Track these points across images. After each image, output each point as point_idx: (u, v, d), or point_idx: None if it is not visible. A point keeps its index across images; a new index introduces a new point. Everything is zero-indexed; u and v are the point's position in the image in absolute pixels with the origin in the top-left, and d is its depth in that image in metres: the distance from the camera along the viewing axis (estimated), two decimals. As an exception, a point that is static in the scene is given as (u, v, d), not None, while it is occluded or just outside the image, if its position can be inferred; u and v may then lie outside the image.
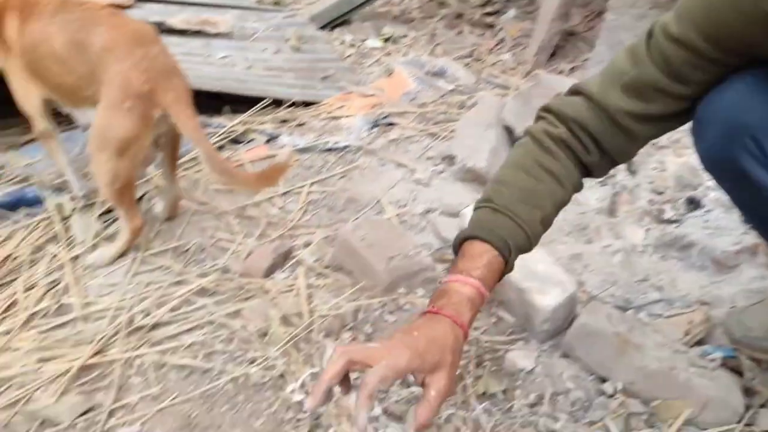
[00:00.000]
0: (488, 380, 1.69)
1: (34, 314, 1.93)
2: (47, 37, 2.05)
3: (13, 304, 1.97)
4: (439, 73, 3.43)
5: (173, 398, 1.66)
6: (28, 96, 2.21)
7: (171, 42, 3.33)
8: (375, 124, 2.90)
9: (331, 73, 3.46)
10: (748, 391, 1.61)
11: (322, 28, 4.04)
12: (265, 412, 1.63)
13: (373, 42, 3.93)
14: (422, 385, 1.09)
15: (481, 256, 1.21)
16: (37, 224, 2.25)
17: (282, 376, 1.69)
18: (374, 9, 4.47)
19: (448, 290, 1.18)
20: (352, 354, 1.07)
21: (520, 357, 1.79)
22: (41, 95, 2.19)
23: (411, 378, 1.11)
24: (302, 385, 1.65)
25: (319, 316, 1.85)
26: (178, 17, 3.56)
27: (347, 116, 2.99)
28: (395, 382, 1.18)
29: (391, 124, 2.93)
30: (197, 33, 3.52)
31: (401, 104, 3.13)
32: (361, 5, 4.14)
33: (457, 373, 1.14)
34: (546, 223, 1.32)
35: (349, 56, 3.76)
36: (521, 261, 1.70)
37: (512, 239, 1.24)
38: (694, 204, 2.17)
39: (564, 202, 1.34)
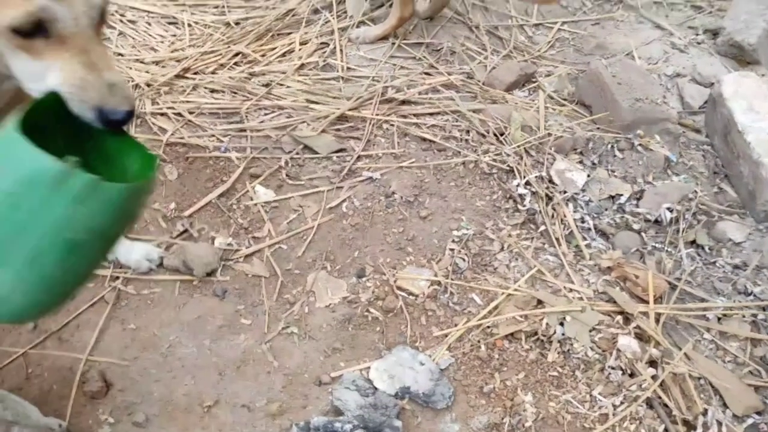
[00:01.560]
0: (700, 232, 1.75)
1: (304, 64, 2.21)
2: None
3: (290, 51, 2.25)
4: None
5: (411, 161, 1.89)
6: None
7: None
8: (641, -17, 2.78)
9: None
10: None
11: None
12: (487, 197, 1.81)
13: None
14: None
15: None
16: (316, -7, 2.50)
17: (510, 170, 1.85)
18: None
19: None
20: None
21: (732, 229, 1.81)
22: None
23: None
24: (527, 183, 1.80)
25: (553, 133, 1.96)
26: None
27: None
28: None
29: (658, -15, 2.80)
30: None
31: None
32: None
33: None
34: None
35: None
36: (765, 137, 1.69)
37: None
38: None
39: None
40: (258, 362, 1.45)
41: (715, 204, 1.87)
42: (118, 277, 1.56)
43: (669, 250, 1.70)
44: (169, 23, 2.39)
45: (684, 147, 2.02)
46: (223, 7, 2.45)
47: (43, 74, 0.94)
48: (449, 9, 2.52)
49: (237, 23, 2.38)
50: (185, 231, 1.69)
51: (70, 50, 0.93)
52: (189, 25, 2.35)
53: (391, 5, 2.31)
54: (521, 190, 1.78)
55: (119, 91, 0.95)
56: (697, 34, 2.48)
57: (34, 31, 0.91)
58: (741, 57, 2.27)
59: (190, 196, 1.78)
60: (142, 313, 1.52)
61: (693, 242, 1.73)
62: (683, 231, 1.73)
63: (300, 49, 2.26)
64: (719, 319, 1.59)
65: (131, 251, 1.58)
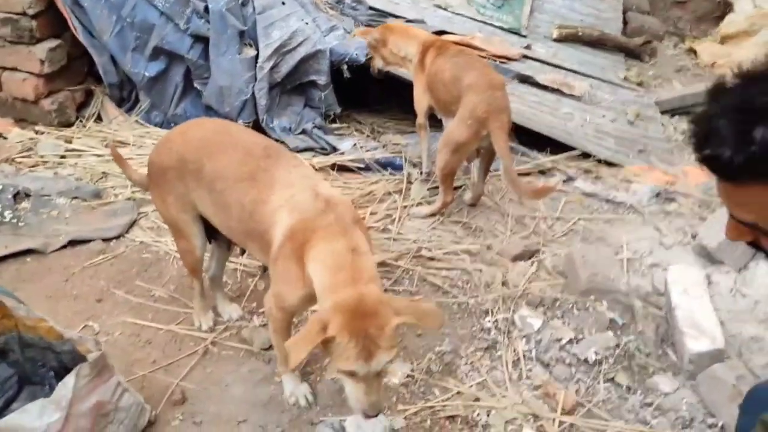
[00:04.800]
0: (621, 373, 2.30)
1: (370, 227, 3.12)
2: (443, 70, 3.21)
3: (362, 218, 3.18)
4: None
5: (419, 297, 2.65)
6: (421, 101, 3.41)
7: (532, 92, 4.37)
8: (658, 195, 3.47)
9: (648, 149, 4.07)
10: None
11: (665, 112, 4.61)
12: (468, 327, 2.51)
13: (704, 135, 4.36)
14: None
15: None
16: (394, 180, 3.48)
17: (486, 311, 2.55)
18: (727, 108, 4.83)
19: None
20: None
21: (664, 381, 2.33)
22: (429, 102, 3.37)
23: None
24: (495, 321, 2.49)
25: (527, 292, 2.65)
26: (546, 76, 4.55)
27: (639, 183, 3.62)
28: None
29: (672, 199, 3.47)
30: (555, 90, 4.47)
31: (692, 189, 3.61)
32: (708, 102, 4.58)
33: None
34: None
35: (674, 141, 4.29)
36: (690, 314, 2.28)
37: None
38: None
39: None
40: (278, 404, 2.20)
41: (655, 362, 2.41)
42: (206, 338, 2.44)
43: (590, 382, 2.27)
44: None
45: (642, 318, 2.59)
46: (329, 184, 3.49)
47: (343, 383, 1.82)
48: (490, 200, 3.37)
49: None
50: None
51: (360, 383, 1.75)
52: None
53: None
54: (489, 326, 2.47)
55: (377, 405, 1.77)
56: (686, 237, 3.09)
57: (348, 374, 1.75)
58: (710, 257, 2.84)
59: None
60: (218, 364, 2.36)
61: (612, 379, 2.28)
62: (605, 371, 2.30)
63: (371, 216, 3.19)
64: (615, 436, 2.10)
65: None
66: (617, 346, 2.39)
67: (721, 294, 2.63)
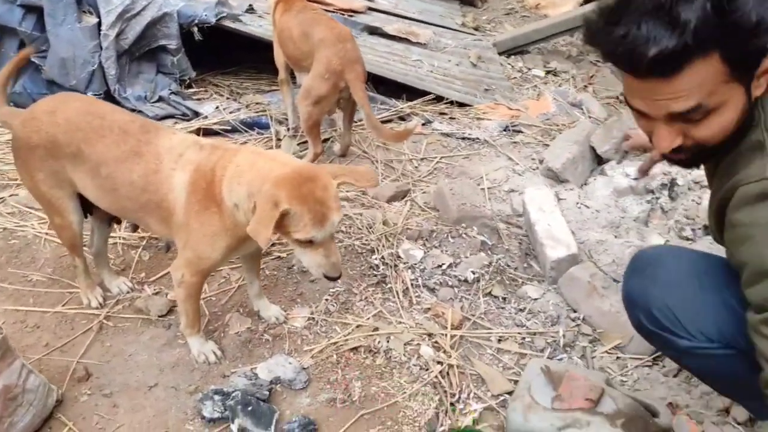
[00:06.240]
0: (497, 287, 2.58)
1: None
2: (290, 27, 3.27)
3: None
4: (577, 105, 4.22)
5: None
6: (280, 56, 3.47)
7: (381, 43, 4.54)
8: (506, 128, 3.81)
9: (492, 87, 4.41)
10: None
11: (502, 53, 4.99)
12: (357, 267, 2.68)
13: (538, 71, 4.81)
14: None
15: None
16: (263, 138, 3.52)
17: (372, 250, 2.73)
18: (555, 46, 5.33)
19: None
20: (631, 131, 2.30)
21: (532, 290, 2.64)
22: (284, 58, 3.44)
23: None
24: (381, 257, 2.67)
25: (407, 228, 2.85)
26: (392, 26, 4.74)
27: (488, 119, 3.94)
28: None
29: (518, 131, 3.82)
30: (403, 39, 4.67)
31: (534, 120, 3.99)
32: (538, 41, 5.03)
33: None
34: None
35: (513, 78, 4.68)
36: (546, 228, 2.58)
37: None
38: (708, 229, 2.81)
39: None
40: (186, 364, 2.25)
41: (523, 274, 2.72)
42: (99, 314, 2.41)
43: (471, 298, 2.53)
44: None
45: (507, 237, 2.90)
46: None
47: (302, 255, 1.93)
48: (358, 148, 3.53)
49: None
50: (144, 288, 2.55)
51: (318, 248, 1.88)
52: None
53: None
54: (377, 262, 2.65)
55: (337, 266, 1.92)
56: (534, 163, 3.45)
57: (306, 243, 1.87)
58: (556, 177, 3.21)
59: (158, 269, 2.66)
60: (115, 337, 2.35)
61: (490, 293, 2.56)
62: (482, 287, 2.57)
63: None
64: (499, 340, 2.38)
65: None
66: (490, 264, 2.67)
67: (569, 208, 3.00)
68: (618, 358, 2.30)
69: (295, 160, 2.03)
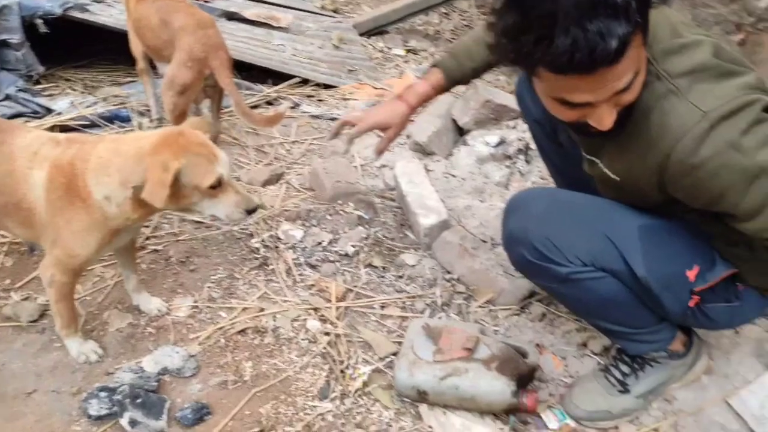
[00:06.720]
0: (376, 258, 2.69)
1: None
2: (147, 16, 3.17)
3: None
4: (438, 80, 4.40)
5: (185, 236, 2.74)
6: (137, 45, 3.35)
7: (241, 28, 4.50)
8: (371, 106, 3.92)
9: (356, 68, 4.51)
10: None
11: (363, 34, 5.10)
12: (237, 253, 2.69)
13: (398, 51, 4.97)
14: (383, 131, 2.39)
15: (435, 74, 2.31)
16: (125, 131, 3.40)
17: (251, 234, 2.75)
18: (412, 25, 5.52)
19: (412, 86, 2.34)
20: (350, 117, 2.38)
21: (409, 257, 2.77)
22: (142, 48, 3.33)
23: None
24: (261, 240, 2.70)
25: (285, 210, 2.90)
26: (251, 11, 4.70)
27: (355, 99, 4.04)
28: (372, 129, 2.44)
29: (384, 109, 3.94)
30: (263, 24, 4.65)
31: (399, 97, 4.13)
32: (396, 21, 5.19)
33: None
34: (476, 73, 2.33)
35: (375, 58, 4.80)
36: (418, 198, 2.69)
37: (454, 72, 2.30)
38: (561, 187, 3.07)
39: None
40: (66, 366, 2.17)
41: (399, 243, 2.85)
42: (-36, 326, 2.26)
43: (353, 270, 2.63)
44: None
45: (382, 210, 3.01)
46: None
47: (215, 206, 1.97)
48: (228, 136, 3.50)
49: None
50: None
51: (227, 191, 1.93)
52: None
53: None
54: (257, 246, 2.68)
55: (251, 199, 2.02)
56: (402, 138, 3.59)
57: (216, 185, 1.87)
58: (421, 150, 3.37)
59: (23, 274, 2.53)
60: (-17, 348, 2.22)
61: (369, 264, 2.67)
62: (362, 259, 2.68)
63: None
64: (382, 307, 2.50)
65: None
66: (368, 237, 2.78)
67: (437, 178, 3.17)
68: (490, 310, 2.48)
69: (154, 131, 2.03)
